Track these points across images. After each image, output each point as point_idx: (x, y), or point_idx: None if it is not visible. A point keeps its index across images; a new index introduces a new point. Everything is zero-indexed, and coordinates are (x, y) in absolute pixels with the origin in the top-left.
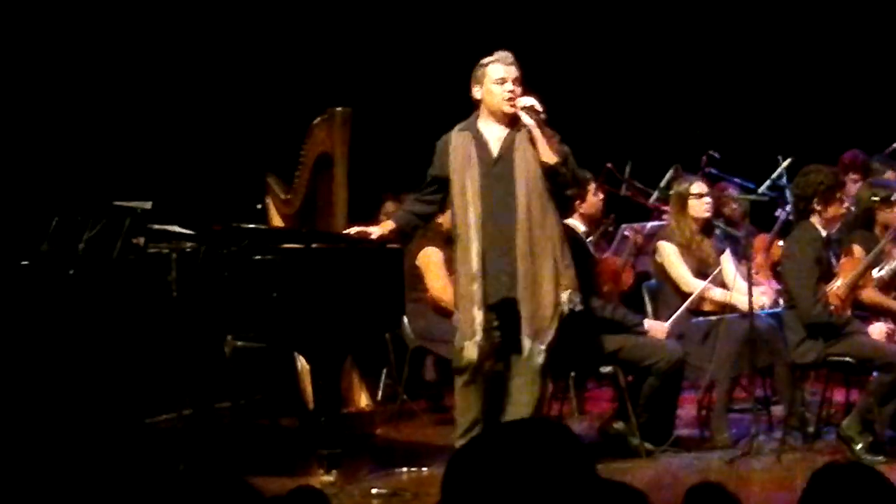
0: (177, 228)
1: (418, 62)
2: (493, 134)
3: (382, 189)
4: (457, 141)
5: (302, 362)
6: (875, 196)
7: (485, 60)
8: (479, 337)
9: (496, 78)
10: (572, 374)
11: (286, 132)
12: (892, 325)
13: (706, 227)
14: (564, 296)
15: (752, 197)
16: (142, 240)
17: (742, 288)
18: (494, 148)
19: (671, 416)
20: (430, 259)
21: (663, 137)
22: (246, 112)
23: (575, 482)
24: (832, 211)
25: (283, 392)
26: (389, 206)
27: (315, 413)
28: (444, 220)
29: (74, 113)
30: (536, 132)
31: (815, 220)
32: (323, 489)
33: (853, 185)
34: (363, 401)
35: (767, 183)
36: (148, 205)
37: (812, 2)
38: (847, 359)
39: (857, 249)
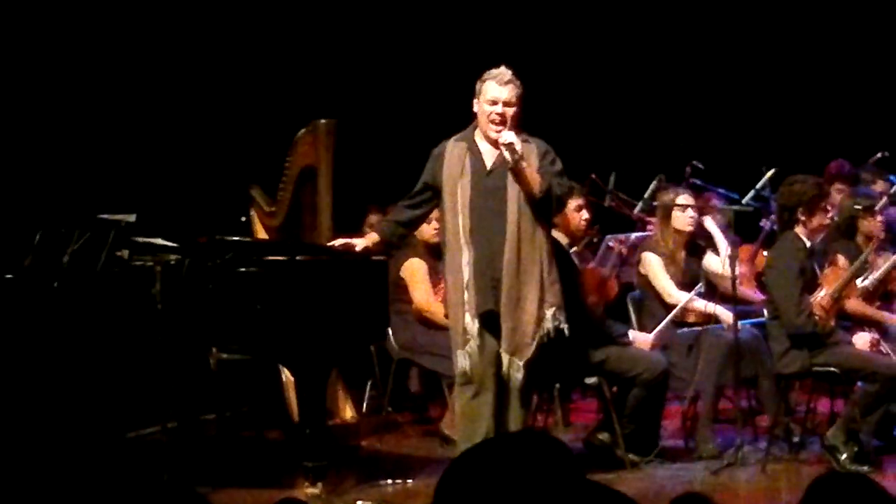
0: (161, 241)
1: (403, 74)
2: (488, 147)
3: (367, 201)
4: (452, 150)
5: (287, 374)
6: (857, 205)
7: (485, 76)
8: (470, 346)
9: (489, 98)
10: (557, 385)
11: (270, 144)
12: (876, 335)
13: (689, 244)
14: (549, 313)
15: (737, 207)
16: (126, 252)
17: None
18: (488, 160)
19: (656, 427)
20: (414, 270)
21: (647, 148)
22: (230, 124)
23: (567, 493)
24: (816, 221)
25: (268, 404)
26: (374, 217)
27: (300, 425)
28: (427, 231)
29: (58, 126)
30: (518, 168)
31: (799, 230)
32: (308, 501)
33: (838, 195)
34: (348, 413)
35: (751, 193)
36: (132, 217)
37: (796, 13)
38: (832, 369)
39: (840, 259)
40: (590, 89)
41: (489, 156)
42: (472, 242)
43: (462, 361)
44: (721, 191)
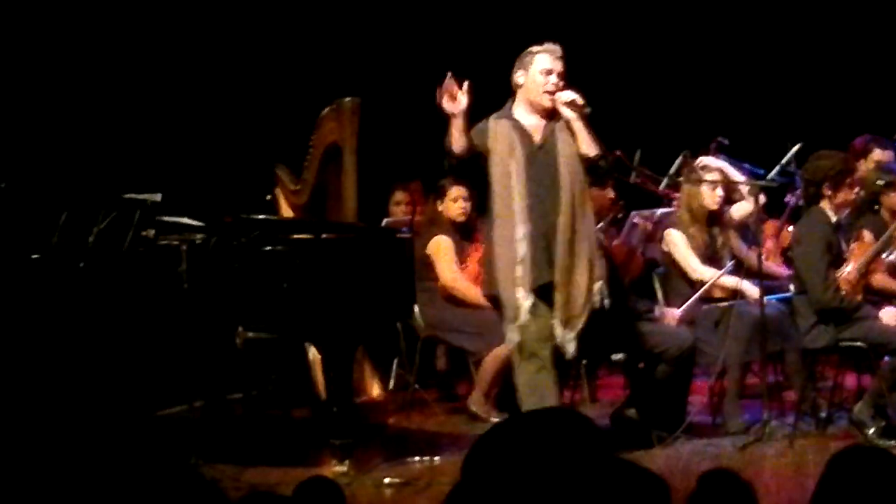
0: (187, 220)
1: (427, 51)
2: (532, 123)
3: (392, 178)
4: (496, 129)
5: (313, 352)
6: (879, 181)
7: (534, 48)
8: (522, 320)
9: (543, 68)
10: (584, 361)
11: (295, 123)
12: None
13: (712, 218)
14: (596, 286)
15: (762, 183)
16: (152, 232)
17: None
18: (536, 135)
19: (683, 402)
20: (440, 248)
21: (672, 124)
22: (255, 103)
23: (596, 470)
24: (842, 196)
25: (295, 383)
26: (399, 195)
27: (327, 403)
28: (453, 210)
29: (83, 106)
30: (578, 125)
31: (825, 205)
32: (335, 479)
33: (863, 170)
34: (375, 390)
35: (777, 168)
36: (158, 197)
37: None
38: (859, 343)
39: (866, 234)
40: (615, 66)
41: (536, 130)
42: (527, 218)
43: (513, 336)
44: (746, 166)
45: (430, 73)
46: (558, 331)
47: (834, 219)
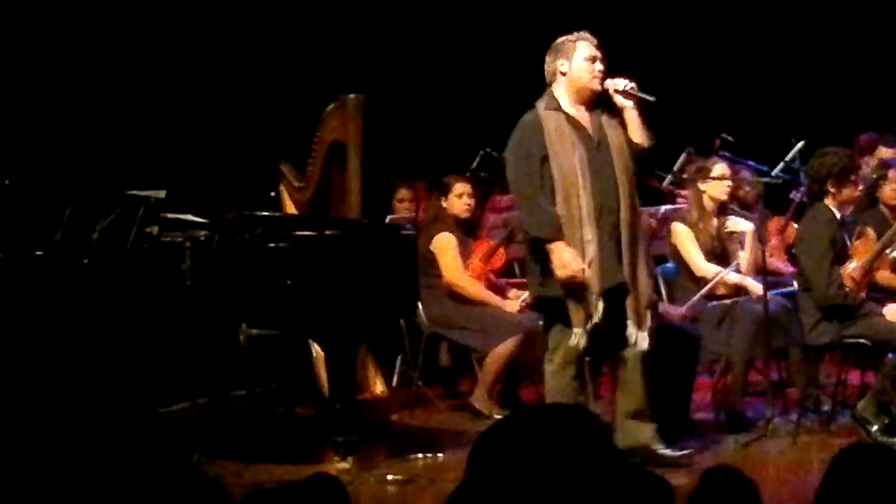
0: (190, 217)
1: (431, 48)
2: (582, 116)
3: (396, 176)
4: (550, 121)
5: (316, 349)
6: (873, 174)
7: (571, 37)
8: (591, 325)
9: (587, 55)
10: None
11: (299, 120)
12: None
13: (721, 211)
14: (651, 282)
15: (766, 179)
16: (155, 229)
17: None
18: (591, 130)
19: (687, 399)
20: (444, 245)
21: (676, 121)
22: (259, 100)
23: (600, 467)
24: (846, 193)
25: (298, 379)
26: (403, 192)
27: (330, 400)
28: (457, 206)
29: (87, 102)
30: (632, 113)
31: (829, 201)
32: (339, 476)
33: (868, 167)
34: (378, 387)
35: (781, 165)
36: (162, 194)
37: None
38: (862, 340)
39: (870, 231)
40: (618, 63)
41: (589, 124)
42: (595, 218)
43: (580, 341)
44: (750, 163)
45: (435, 70)
46: (632, 331)
47: (838, 215)
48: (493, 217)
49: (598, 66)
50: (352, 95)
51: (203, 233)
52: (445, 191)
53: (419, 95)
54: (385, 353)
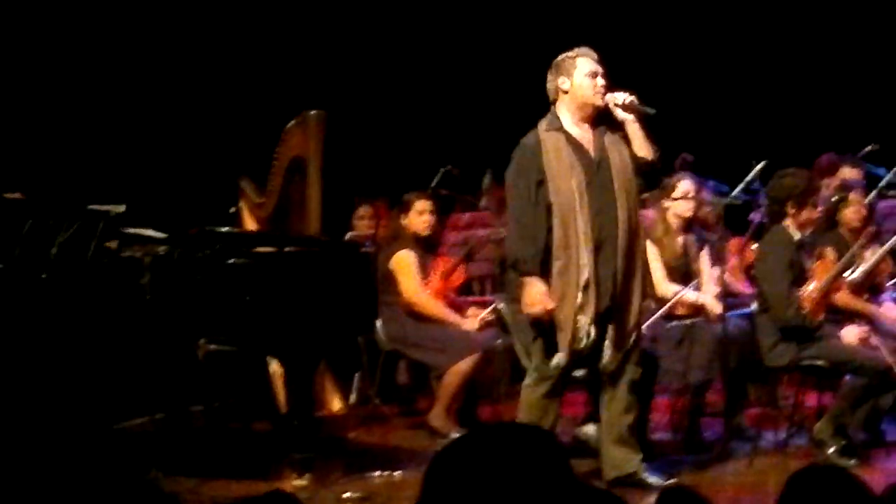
0: (150, 232)
1: (393, 66)
2: (584, 136)
3: (356, 193)
4: (549, 142)
5: (274, 366)
6: (833, 197)
7: (571, 53)
8: (580, 346)
9: (588, 71)
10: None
11: (260, 135)
12: (865, 329)
13: (686, 226)
14: (643, 305)
15: (726, 200)
16: (115, 243)
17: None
18: (591, 151)
19: (644, 419)
20: (403, 262)
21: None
22: (219, 115)
23: (556, 487)
24: (806, 215)
25: (256, 395)
26: (363, 209)
27: (288, 416)
28: (417, 224)
29: (47, 115)
30: (634, 126)
31: (788, 223)
32: (295, 493)
33: (828, 189)
34: (336, 404)
35: (741, 186)
36: (121, 208)
37: (784, 6)
38: (820, 362)
39: (829, 252)
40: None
41: (589, 145)
42: (591, 241)
43: (560, 361)
44: (711, 183)
45: (396, 87)
46: (608, 352)
47: (797, 237)
48: (453, 235)
49: (600, 80)
50: (313, 112)
51: (163, 248)
52: (406, 208)
53: (380, 113)
54: (343, 371)
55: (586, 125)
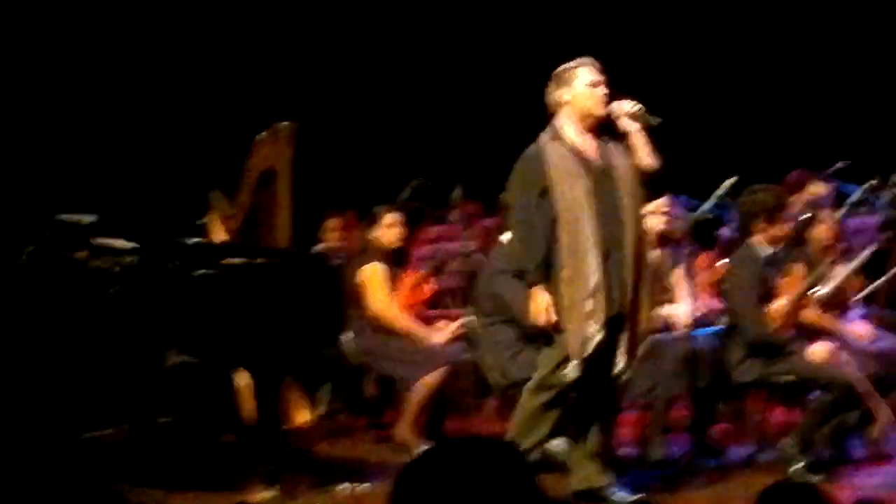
0: (120, 243)
1: (363, 79)
2: (587, 145)
3: (326, 205)
4: (552, 152)
5: (242, 378)
6: (804, 214)
7: (572, 64)
8: (588, 354)
9: (590, 81)
10: (512, 391)
11: (230, 147)
12: (832, 345)
13: (662, 241)
14: (653, 313)
15: (696, 215)
16: (85, 253)
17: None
18: (595, 160)
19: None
20: (372, 275)
21: None
22: (190, 127)
23: (522, 502)
24: (776, 231)
25: (223, 407)
26: (332, 222)
27: (254, 429)
28: (386, 236)
29: (16, 125)
30: (639, 136)
31: (758, 239)
32: None
33: (797, 205)
34: (303, 417)
35: (711, 201)
36: (91, 218)
37: (754, 22)
38: (788, 378)
39: (797, 269)
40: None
41: (593, 154)
42: (599, 249)
43: (573, 372)
44: (682, 198)
45: (367, 100)
46: (621, 361)
47: (767, 253)
48: (422, 248)
49: (602, 89)
50: (284, 124)
51: (132, 259)
52: (375, 221)
53: (351, 126)
54: (310, 383)
55: (589, 135)
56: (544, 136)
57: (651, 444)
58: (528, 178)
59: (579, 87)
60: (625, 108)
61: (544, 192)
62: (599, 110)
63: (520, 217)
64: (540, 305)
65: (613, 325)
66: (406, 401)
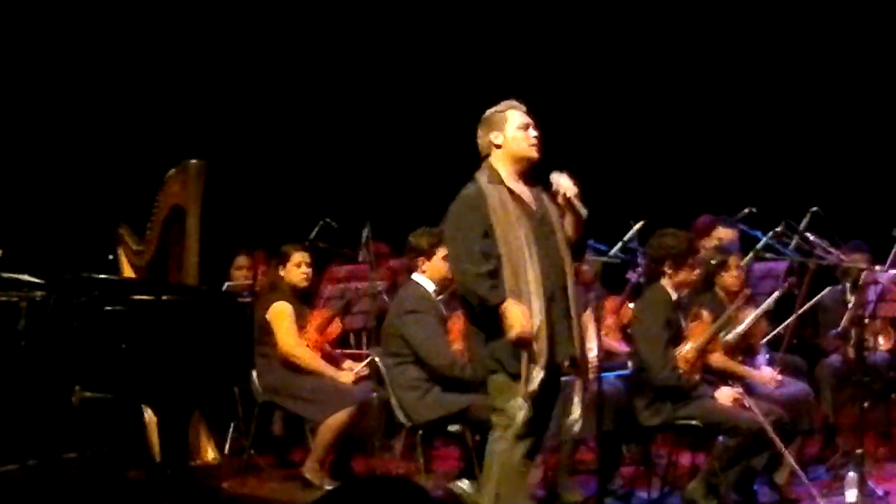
0: (27, 277)
1: (272, 118)
2: (523, 190)
3: (235, 243)
4: (493, 195)
5: (149, 414)
6: (712, 260)
7: (500, 107)
8: (531, 391)
9: (520, 123)
10: (420, 431)
11: (139, 183)
12: (739, 390)
13: None
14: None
15: (604, 258)
16: None
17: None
18: (531, 204)
19: None
20: (280, 313)
21: None
22: (99, 162)
23: None
24: (683, 275)
25: (130, 444)
26: (241, 259)
27: (162, 465)
28: (294, 275)
29: None
30: (569, 208)
31: (665, 282)
32: None
33: (704, 249)
34: (210, 454)
35: (619, 245)
36: None
37: (661, 69)
38: (694, 422)
39: (705, 313)
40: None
41: (529, 199)
42: (542, 292)
43: (521, 414)
44: (590, 242)
45: (276, 140)
46: (577, 409)
47: (674, 297)
48: (330, 287)
49: (533, 132)
50: (193, 161)
51: (39, 293)
52: (283, 260)
53: (260, 164)
54: (218, 420)
55: (522, 180)
56: (482, 177)
57: (559, 486)
58: (469, 219)
59: (510, 130)
60: (562, 185)
61: (485, 235)
62: (532, 154)
63: (463, 253)
64: (518, 315)
65: (557, 372)
66: (313, 439)
